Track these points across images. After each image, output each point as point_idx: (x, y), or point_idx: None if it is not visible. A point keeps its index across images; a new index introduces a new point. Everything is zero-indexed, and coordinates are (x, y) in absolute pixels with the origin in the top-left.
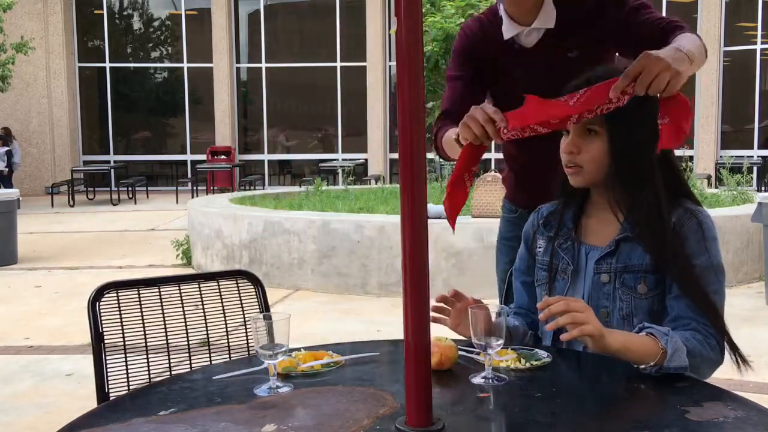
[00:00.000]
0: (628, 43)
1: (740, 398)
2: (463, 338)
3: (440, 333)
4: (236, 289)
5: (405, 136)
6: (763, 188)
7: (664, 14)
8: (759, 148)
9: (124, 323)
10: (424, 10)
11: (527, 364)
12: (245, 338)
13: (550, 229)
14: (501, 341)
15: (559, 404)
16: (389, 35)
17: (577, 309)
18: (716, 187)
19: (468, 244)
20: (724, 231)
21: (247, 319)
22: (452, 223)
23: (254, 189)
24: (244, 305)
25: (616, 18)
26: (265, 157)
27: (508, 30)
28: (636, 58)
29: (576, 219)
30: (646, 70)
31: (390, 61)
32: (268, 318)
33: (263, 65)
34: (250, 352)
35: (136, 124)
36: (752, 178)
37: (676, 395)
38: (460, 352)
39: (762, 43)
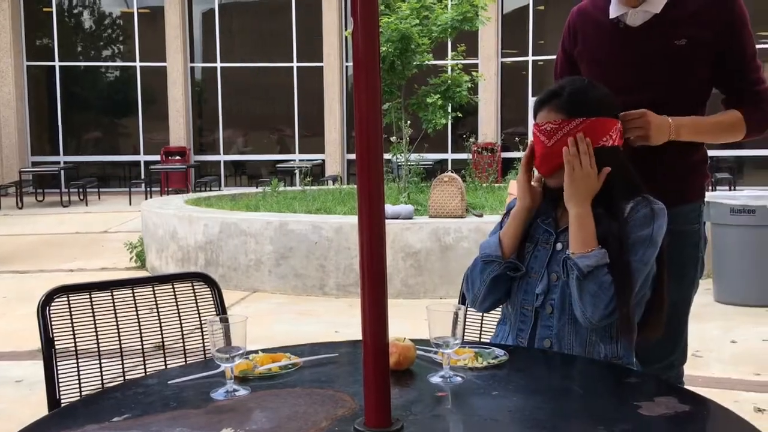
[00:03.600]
0: (722, 64)
1: (690, 393)
2: (422, 338)
3: (399, 333)
4: (192, 291)
5: (362, 136)
6: (711, 188)
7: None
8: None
9: (75, 328)
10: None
11: (485, 363)
12: (201, 341)
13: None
14: (459, 340)
15: (515, 402)
16: (345, 36)
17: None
18: None
19: (425, 244)
20: None
21: (203, 321)
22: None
23: (210, 190)
24: (200, 308)
25: (725, 35)
26: (221, 157)
27: (615, 9)
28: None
29: (557, 204)
30: (643, 134)
31: (347, 61)
32: (224, 320)
33: (218, 65)
34: (207, 356)
35: (86, 124)
36: None
37: (629, 391)
38: (419, 352)
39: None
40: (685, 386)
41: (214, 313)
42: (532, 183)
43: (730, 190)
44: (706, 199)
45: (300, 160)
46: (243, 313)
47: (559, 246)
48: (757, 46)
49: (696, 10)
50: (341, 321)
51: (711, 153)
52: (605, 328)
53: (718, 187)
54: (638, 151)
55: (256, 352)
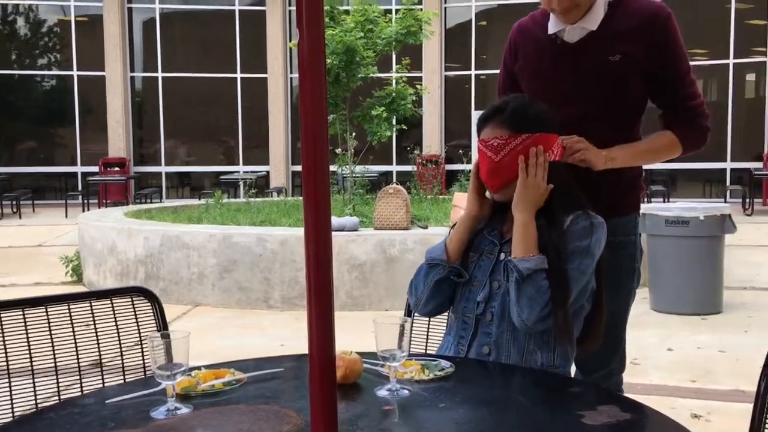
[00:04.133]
0: (656, 80)
1: (631, 401)
2: (368, 351)
3: (343, 346)
4: (131, 306)
5: (308, 148)
6: (646, 200)
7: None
8: None
9: (7, 346)
10: None
11: (431, 375)
12: (141, 358)
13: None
14: (405, 353)
15: (462, 414)
16: (290, 47)
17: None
18: None
19: (370, 256)
20: None
21: (143, 337)
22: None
23: (150, 202)
24: (140, 323)
25: (658, 52)
26: (162, 169)
27: (553, 25)
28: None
29: (503, 218)
30: (583, 156)
31: (291, 73)
32: (165, 336)
33: (159, 74)
34: (147, 373)
35: (21, 134)
36: None
37: (572, 400)
38: (365, 365)
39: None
40: (625, 394)
41: (155, 328)
42: (486, 195)
43: (664, 202)
44: (642, 212)
45: (244, 172)
46: (185, 328)
47: (502, 256)
48: (691, 63)
49: (630, 27)
50: (287, 334)
51: (646, 166)
52: (543, 337)
53: (653, 199)
54: (577, 166)
55: (198, 368)
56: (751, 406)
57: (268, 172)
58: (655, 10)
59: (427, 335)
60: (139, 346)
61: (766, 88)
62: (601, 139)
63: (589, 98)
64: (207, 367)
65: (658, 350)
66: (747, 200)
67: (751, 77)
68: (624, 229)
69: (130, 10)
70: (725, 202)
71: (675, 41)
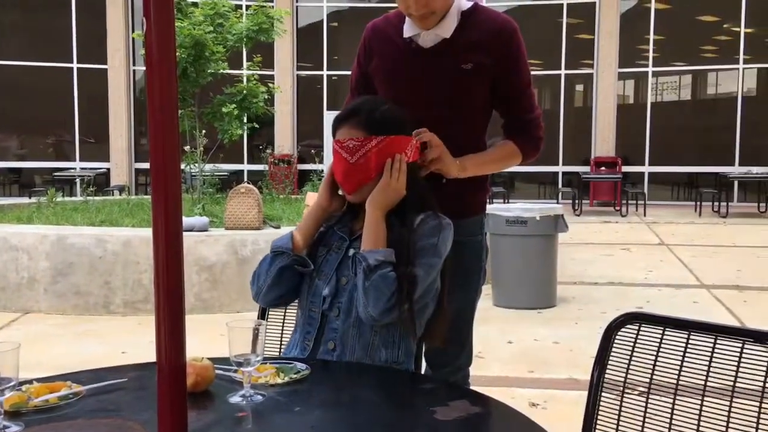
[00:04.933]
0: (498, 95)
1: (479, 394)
2: (221, 356)
3: (193, 350)
4: None
5: (157, 144)
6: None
7: None
8: None
9: None
10: None
11: (286, 378)
12: None
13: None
14: (260, 357)
15: (317, 416)
16: (133, 38)
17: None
18: None
19: (221, 257)
20: None
21: None
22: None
23: None
24: None
25: (503, 63)
26: None
27: (409, 29)
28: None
29: (355, 216)
30: (439, 163)
31: (134, 65)
32: None
33: None
34: None
35: None
36: None
37: (425, 397)
38: (217, 371)
39: None
40: (471, 387)
41: None
42: (339, 192)
43: (504, 202)
44: (486, 211)
45: (81, 169)
46: (12, 337)
47: (351, 252)
48: (532, 73)
49: (481, 38)
50: (129, 341)
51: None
52: (388, 333)
53: (494, 200)
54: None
55: (30, 382)
56: (584, 393)
57: (108, 169)
58: (503, 23)
59: (281, 338)
60: None
61: (593, 97)
62: (450, 144)
63: (440, 103)
64: (39, 380)
65: (500, 343)
66: (576, 201)
67: (580, 87)
68: (470, 230)
69: None
70: (558, 203)
71: (520, 54)
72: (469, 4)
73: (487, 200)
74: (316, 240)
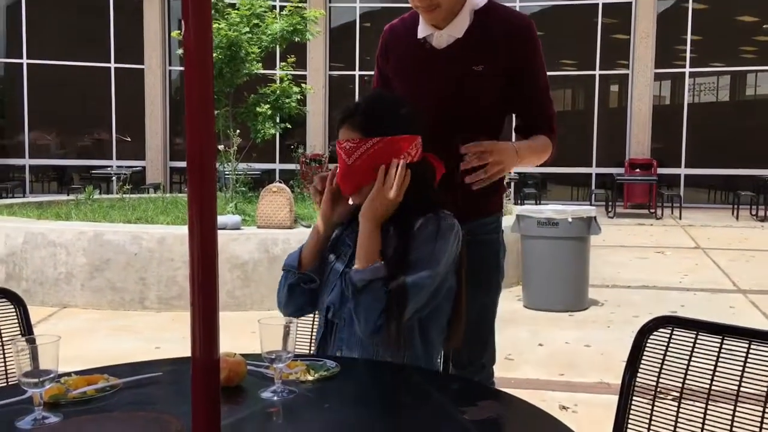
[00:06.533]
0: (516, 94)
1: (509, 396)
2: (250, 352)
3: (224, 346)
4: None
5: (194, 143)
6: (520, 202)
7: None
8: None
9: None
10: None
11: (316, 375)
12: (3, 364)
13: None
14: (291, 354)
15: (347, 413)
16: (174, 37)
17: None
18: None
19: (253, 255)
20: None
21: (5, 342)
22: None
23: (12, 197)
24: (1, 328)
25: (519, 63)
26: (26, 161)
27: (422, 30)
28: (512, 107)
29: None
30: (497, 163)
31: (170, 65)
32: (32, 341)
33: (24, 61)
34: (11, 381)
35: None
36: (510, 193)
37: (454, 397)
38: (249, 367)
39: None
40: (500, 388)
41: (19, 332)
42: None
43: (536, 204)
44: (516, 213)
45: (118, 167)
46: (51, 331)
47: (338, 266)
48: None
49: (495, 37)
50: (163, 336)
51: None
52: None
53: (525, 201)
54: (436, 169)
55: (68, 374)
56: (614, 397)
57: (144, 167)
58: (519, 23)
59: (311, 336)
60: (0, 352)
61: (628, 98)
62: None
63: (453, 104)
64: (78, 373)
65: (530, 345)
66: (610, 203)
67: (614, 88)
68: (488, 228)
69: None
70: (591, 204)
71: (537, 54)
72: (483, 2)
73: (504, 199)
74: (330, 246)
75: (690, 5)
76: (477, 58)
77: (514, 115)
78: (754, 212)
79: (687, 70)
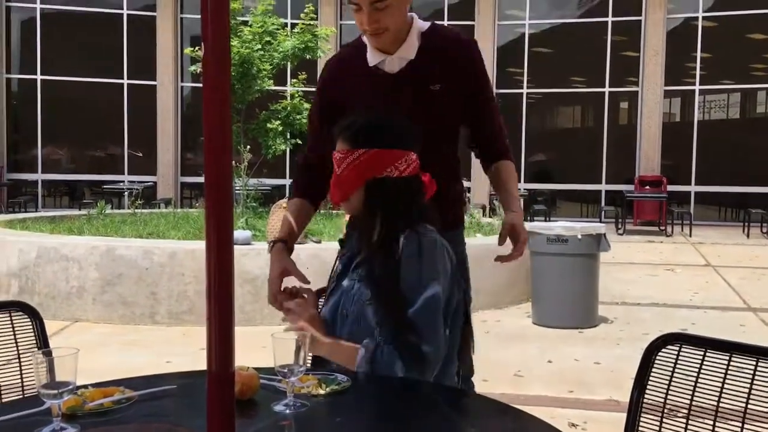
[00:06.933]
0: (470, 112)
1: (518, 411)
2: (262, 366)
3: (237, 362)
4: (9, 322)
5: (211, 159)
6: (529, 218)
7: None
8: (525, 181)
9: None
10: None
11: (328, 389)
12: (19, 377)
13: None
14: (303, 368)
15: (358, 427)
16: (187, 54)
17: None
18: (491, 217)
19: (263, 270)
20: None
21: (21, 355)
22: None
23: (25, 211)
24: (18, 341)
25: (471, 80)
26: (39, 176)
27: (373, 57)
28: (467, 124)
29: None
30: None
31: (182, 81)
32: (48, 354)
33: (38, 77)
34: (27, 392)
35: None
36: (469, 207)
37: (465, 412)
38: (262, 381)
39: (527, 87)
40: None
41: (35, 345)
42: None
43: (545, 220)
44: (528, 229)
45: (129, 182)
46: (63, 344)
47: (345, 282)
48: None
49: (444, 59)
50: (174, 351)
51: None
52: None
53: (535, 218)
54: (421, 182)
55: (85, 386)
56: (624, 415)
57: (155, 182)
58: (464, 41)
59: None
60: (17, 364)
61: (637, 116)
62: (435, 162)
63: (416, 124)
64: (94, 385)
65: (539, 362)
66: (620, 220)
67: (624, 105)
68: (454, 242)
69: (8, 8)
70: (600, 221)
71: (483, 70)
72: (427, 25)
73: (464, 213)
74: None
75: (700, 23)
76: (432, 78)
77: (473, 145)
78: (765, 230)
79: (697, 87)
